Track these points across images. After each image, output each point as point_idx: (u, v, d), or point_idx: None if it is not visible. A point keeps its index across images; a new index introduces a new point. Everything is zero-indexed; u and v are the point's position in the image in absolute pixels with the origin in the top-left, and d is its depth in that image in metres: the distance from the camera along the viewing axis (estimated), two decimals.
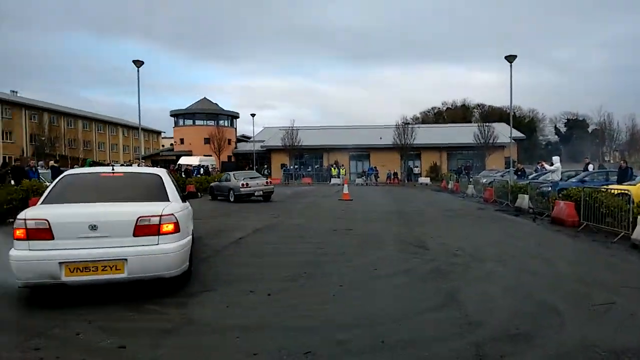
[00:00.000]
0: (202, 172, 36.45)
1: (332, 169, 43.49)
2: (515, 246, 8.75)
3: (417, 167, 47.13)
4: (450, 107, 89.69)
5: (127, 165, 28.90)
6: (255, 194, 19.62)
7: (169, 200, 5.60)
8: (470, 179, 30.26)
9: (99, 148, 69.65)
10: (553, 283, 5.85)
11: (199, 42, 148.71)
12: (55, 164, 22.25)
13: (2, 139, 52.68)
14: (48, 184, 15.36)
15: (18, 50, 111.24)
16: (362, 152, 48.89)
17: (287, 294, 5.21)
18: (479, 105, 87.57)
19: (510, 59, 18.15)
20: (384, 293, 5.29)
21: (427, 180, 41.88)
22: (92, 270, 4.64)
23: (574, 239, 9.89)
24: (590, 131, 76.59)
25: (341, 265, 6.74)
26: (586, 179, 18.86)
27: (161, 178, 6.02)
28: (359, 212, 15.31)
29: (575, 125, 79.53)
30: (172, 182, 6.24)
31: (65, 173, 6.14)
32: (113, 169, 6.17)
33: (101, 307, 4.60)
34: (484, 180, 26.00)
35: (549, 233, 10.77)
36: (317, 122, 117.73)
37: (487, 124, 43.63)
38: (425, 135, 46.24)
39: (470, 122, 70.07)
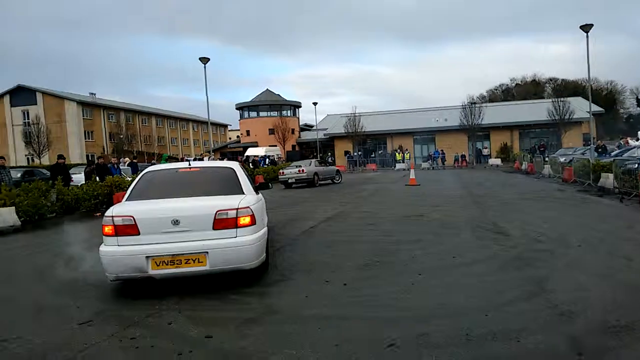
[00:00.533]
0: (268, 162, 37.24)
1: (397, 153, 42.80)
2: (603, 229, 8.12)
3: (486, 148, 45.24)
4: (519, 83, 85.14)
5: (198, 159, 30.13)
6: (289, 181, 22.06)
7: (243, 193, 5.69)
8: (546, 159, 28.57)
9: (171, 143, 73.29)
10: None
11: (260, 36, 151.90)
12: (133, 160, 23.68)
13: (85, 138, 56.84)
14: (129, 178, 16.42)
15: (93, 55, 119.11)
16: (427, 135, 47.69)
17: (364, 283, 5.17)
18: (551, 79, 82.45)
19: (586, 28, 16.80)
20: (466, 282, 5.10)
21: (497, 161, 40.10)
22: (177, 264, 4.81)
23: None
24: None
25: (417, 253, 6.59)
26: None
27: (234, 171, 6.13)
28: (429, 197, 14.94)
29: None
30: (245, 175, 6.34)
31: (145, 170, 6.38)
32: (190, 165, 6.37)
33: (187, 297, 4.79)
34: (562, 159, 24.40)
35: (639, 214, 9.92)
36: (379, 107, 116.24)
37: (561, 99, 40.77)
38: (494, 114, 44.24)
39: (542, 98, 66.00)
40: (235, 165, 6.53)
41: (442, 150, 42.92)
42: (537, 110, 44.57)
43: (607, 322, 3.78)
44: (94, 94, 63.35)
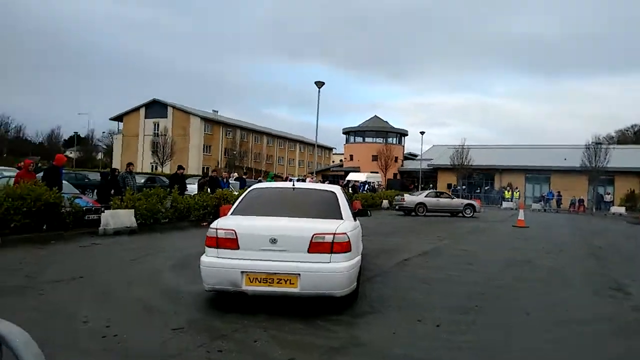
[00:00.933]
0: (367, 188, 37.24)
1: (505, 191, 40.35)
2: None
3: (608, 194, 40.84)
4: None
5: (301, 179, 31.13)
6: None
7: (342, 218, 5.65)
8: None
9: (278, 162, 76.84)
10: None
11: (372, 61, 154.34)
12: (242, 176, 25.09)
13: (204, 151, 61.74)
14: (236, 193, 17.40)
15: (218, 72, 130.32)
16: (541, 175, 44.43)
17: (458, 327, 4.83)
18: None
19: None
20: (570, 342, 4.55)
21: (621, 209, 35.90)
22: (269, 282, 4.84)
23: None
24: None
25: (521, 303, 6.04)
26: None
27: (336, 195, 6.13)
28: (537, 241, 13.77)
29: None
30: (345, 200, 6.32)
31: (252, 187, 6.63)
32: (294, 185, 6.48)
33: (275, 317, 4.84)
34: None
35: None
36: (490, 141, 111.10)
37: None
38: (622, 157, 39.99)
39: None
40: (337, 189, 6.53)
41: (558, 192, 39.59)
42: None
43: None
44: (217, 111, 68.85)
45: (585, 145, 40.47)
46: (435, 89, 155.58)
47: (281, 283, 4.83)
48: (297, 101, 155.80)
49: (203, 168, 57.16)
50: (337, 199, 6.04)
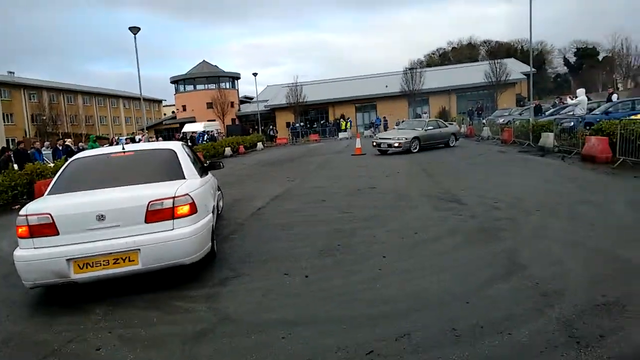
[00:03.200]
0: (207, 138, 35.68)
1: (342, 122, 42.43)
2: (556, 191, 8.10)
3: (425, 112, 45.71)
4: (455, 46, 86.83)
5: (130, 139, 28.29)
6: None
7: (184, 178, 5.09)
8: (484, 121, 29.25)
9: (100, 122, 68.89)
10: (618, 234, 5.25)
11: (198, 4, 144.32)
12: (69, 144, 21.59)
13: (4, 121, 52.02)
14: (52, 165, 14.88)
15: (10, 29, 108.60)
16: (368, 103, 47.65)
17: (327, 273, 4.65)
18: (485, 42, 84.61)
19: None
20: (436, 263, 4.71)
21: None
22: (103, 265, 4.21)
23: (613, 176, 9.23)
24: (600, 59, 73.79)
25: (377, 232, 6.16)
26: (610, 109, 17.87)
27: (175, 153, 5.49)
28: (376, 166, 14.66)
29: (585, 54, 76.60)
30: (188, 156, 5.71)
31: (72, 158, 5.65)
32: (123, 148, 5.61)
33: (120, 309, 4.07)
34: (501, 121, 25.03)
35: (585, 173, 10.10)
36: (321, 75, 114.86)
37: (497, 60, 41.83)
38: (432, 78, 44.78)
39: (477, 60, 67.75)
40: (176, 146, 5.84)
41: (384, 117, 43.00)
42: (473, 73, 45.61)
43: (593, 299, 3.50)
44: (12, 73, 57.85)
45: (403, 71, 44.35)
46: (265, 30, 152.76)
47: (119, 263, 4.23)
48: (118, 53, 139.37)
49: (8, 140, 48.47)
50: (177, 157, 5.43)
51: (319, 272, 4.69)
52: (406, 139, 18.79)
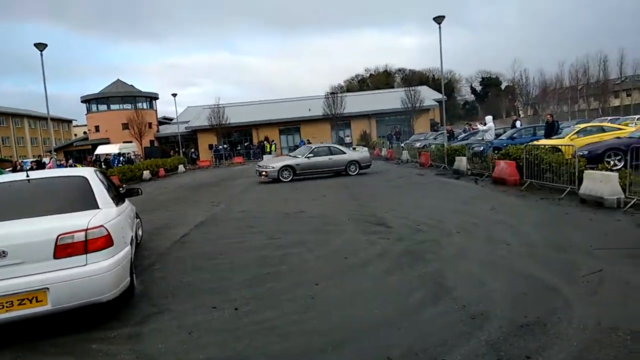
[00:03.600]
0: (123, 161, 33.89)
1: (266, 145, 42.29)
2: (472, 213, 8.56)
3: (347, 136, 47.12)
4: (373, 73, 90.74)
5: (36, 161, 26.08)
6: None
7: (98, 207, 4.70)
8: (402, 144, 30.62)
9: (3, 143, 63.10)
10: (530, 253, 5.62)
11: (111, 21, 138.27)
12: None
13: None
14: None
15: None
16: (292, 126, 48.07)
17: (257, 304, 4.47)
18: (400, 70, 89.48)
19: (439, 19, 17.97)
20: (367, 288, 4.72)
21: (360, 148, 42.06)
22: (7, 307, 3.75)
23: (523, 198, 9.95)
24: (503, 88, 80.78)
25: (307, 258, 6.09)
26: (515, 135, 19.48)
27: (87, 180, 5.07)
28: (302, 189, 14.68)
29: (490, 83, 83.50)
30: (101, 183, 5.29)
31: None
32: (28, 176, 5.09)
33: (30, 355, 3.62)
34: (417, 145, 26.33)
35: (497, 195, 10.80)
36: (243, 98, 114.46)
37: (412, 88, 44.29)
38: (353, 103, 46.26)
39: (393, 87, 71.29)
40: (88, 172, 5.40)
41: (307, 140, 43.50)
42: (391, 99, 47.87)
43: (516, 320, 3.67)
44: None
45: (325, 95, 45.45)
46: (185, 50, 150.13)
47: (25, 304, 3.80)
48: (25, 69, 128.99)
49: None
50: (90, 184, 5.02)
51: (249, 303, 4.51)
52: (273, 167, 18.08)
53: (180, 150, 43.67)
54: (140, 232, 7.61)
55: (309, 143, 42.57)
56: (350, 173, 18.62)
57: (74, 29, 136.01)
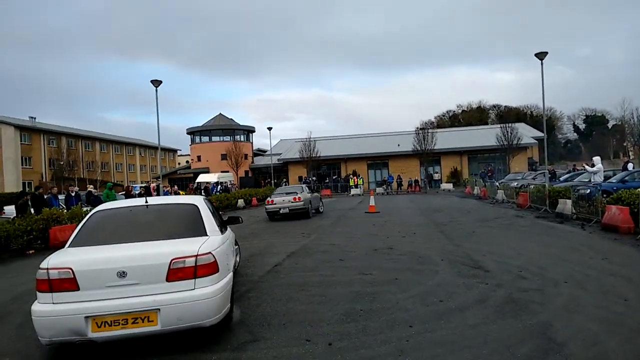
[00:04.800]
0: (220, 189, 35.91)
1: (351, 179, 42.59)
2: (581, 262, 7.85)
3: (437, 173, 46.03)
4: (465, 109, 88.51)
5: (145, 187, 28.52)
6: (280, 211, 18.52)
7: (206, 234, 4.97)
8: (497, 183, 29.18)
9: (116, 169, 70.02)
10: None
11: (216, 60, 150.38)
12: (93, 190, 21.74)
13: (22, 164, 53.03)
14: (66, 210, 14.92)
15: (36, 75, 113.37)
16: (380, 161, 48.05)
17: (351, 341, 4.42)
18: (494, 106, 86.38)
19: (541, 55, 17.21)
20: (467, 335, 4.47)
21: (449, 186, 40.83)
22: (122, 324, 4.04)
23: (639, 248, 8.96)
24: (610, 127, 74.45)
25: (399, 297, 5.94)
26: (627, 178, 17.74)
27: (198, 208, 5.38)
28: (392, 225, 14.47)
29: (594, 121, 77.61)
30: (209, 211, 5.60)
31: (96, 209, 5.56)
32: (147, 202, 5.51)
33: None
34: (515, 184, 24.94)
35: (608, 243, 9.83)
36: (333, 131, 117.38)
37: (509, 124, 42.41)
38: (445, 139, 45.30)
39: (487, 123, 68.74)
40: (198, 200, 5.76)
41: (398, 175, 43.14)
42: (483, 136, 46.26)
43: None
44: (34, 118, 59.71)
45: (415, 131, 45.05)
46: (279, 86, 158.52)
47: (138, 322, 4.05)
48: (137, 102, 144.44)
49: (24, 183, 49.23)
50: (200, 212, 5.32)
51: (342, 339, 4.48)
52: (304, 202, 18.61)
53: (272, 181, 45.35)
54: (237, 259, 7.93)
55: (400, 178, 42.27)
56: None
57: (181, 67, 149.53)
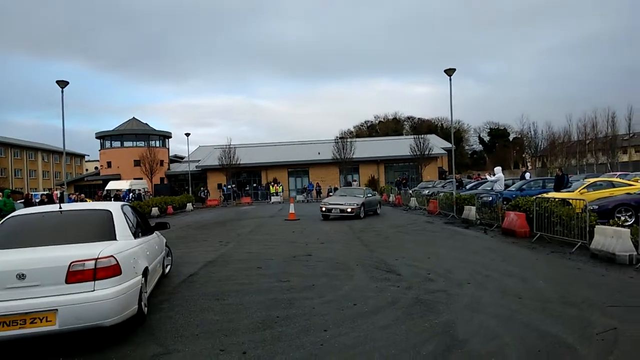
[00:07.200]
0: (132, 197, 34.16)
1: (271, 186, 42.53)
2: (483, 264, 8.49)
3: (355, 180, 47.27)
4: (382, 120, 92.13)
5: (47, 194, 26.38)
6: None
7: (115, 239, 5.18)
8: (410, 191, 30.67)
9: (15, 175, 64.00)
10: (543, 308, 5.53)
11: (136, 61, 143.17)
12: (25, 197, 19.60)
13: None
14: None
15: None
16: (301, 168, 48.49)
17: (266, 349, 4.42)
18: (409, 117, 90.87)
19: (450, 72, 18.43)
20: (377, 337, 4.64)
21: None
22: (20, 324, 4.14)
23: (533, 251, 9.87)
24: (511, 139, 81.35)
25: (315, 303, 6.04)
26: (524, 187, 19.50)
27: (111, 214, 5.60)
28: (310, 232, 14.66)
29: (497, 134, 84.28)
30: (124, 218, 5.76)
31: (10, 215, 5.74)
32: (61, 207, 5.73)
33: None
34: (426, 192, 26.37)
35: (507, 246, 10.71)
36: (257, 139, 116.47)
37: (422, 136, 44.84)
38: (362, 148, 46.73)
39: (402, 134, 72.17)
40: (115, 207, 5.95)
41: (318, 184, 43.73)
42: (399, 146, 48.46)
43: None
44: None
45: (335, 139, 46.09)
46: (202, 91, 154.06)
47: (36, 322, 4.19)
48: (44, 104, 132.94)
49: None
50: (113, 218, 5.54)
51: (257, 347, 4.46)
52: (356, 204, 19.40)
53: (190, 189, 44.00)
54: (168, 262, 8.43)
55: (319, 186, 42.87)
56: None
57: (98, 68, 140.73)
